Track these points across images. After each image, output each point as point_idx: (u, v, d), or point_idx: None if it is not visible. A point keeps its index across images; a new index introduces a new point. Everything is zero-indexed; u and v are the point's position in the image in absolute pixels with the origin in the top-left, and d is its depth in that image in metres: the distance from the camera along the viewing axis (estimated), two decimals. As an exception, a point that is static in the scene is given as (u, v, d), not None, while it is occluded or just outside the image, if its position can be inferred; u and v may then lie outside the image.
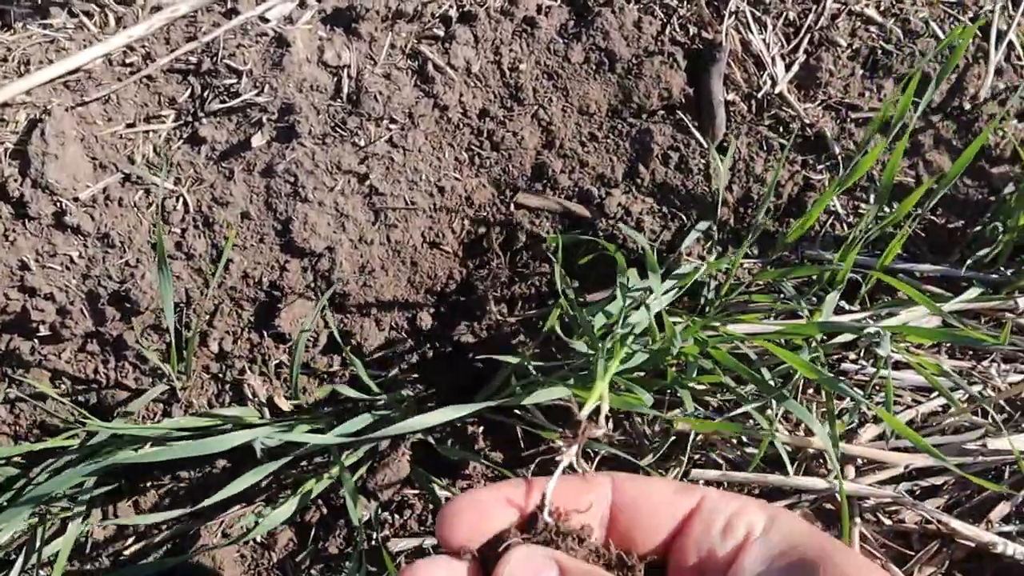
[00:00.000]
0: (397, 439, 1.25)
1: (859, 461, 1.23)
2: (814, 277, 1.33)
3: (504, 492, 0.67)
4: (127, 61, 1.27)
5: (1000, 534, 1.18)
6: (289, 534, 1.23)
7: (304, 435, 1.11)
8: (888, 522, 1.20)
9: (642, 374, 1.19)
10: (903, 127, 1.38)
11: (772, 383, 1.12)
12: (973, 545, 1.18)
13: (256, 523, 1.13)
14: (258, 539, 1.22)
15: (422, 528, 1.22)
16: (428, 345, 1.35)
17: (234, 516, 1.22)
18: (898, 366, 1.31)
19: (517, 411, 1.21)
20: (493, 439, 1.30)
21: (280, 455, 1.19)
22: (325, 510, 1.24)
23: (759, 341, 1.16)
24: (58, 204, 1.20)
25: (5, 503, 1.12)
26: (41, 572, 1.14)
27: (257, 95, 1.26)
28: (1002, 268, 1.39)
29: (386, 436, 1.19)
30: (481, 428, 1.30)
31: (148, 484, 1.24)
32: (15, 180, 1.19)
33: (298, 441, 1.13)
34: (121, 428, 1.10)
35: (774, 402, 1.14)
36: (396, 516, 1.23)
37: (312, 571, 1.20)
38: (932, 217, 1.43)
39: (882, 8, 1.43)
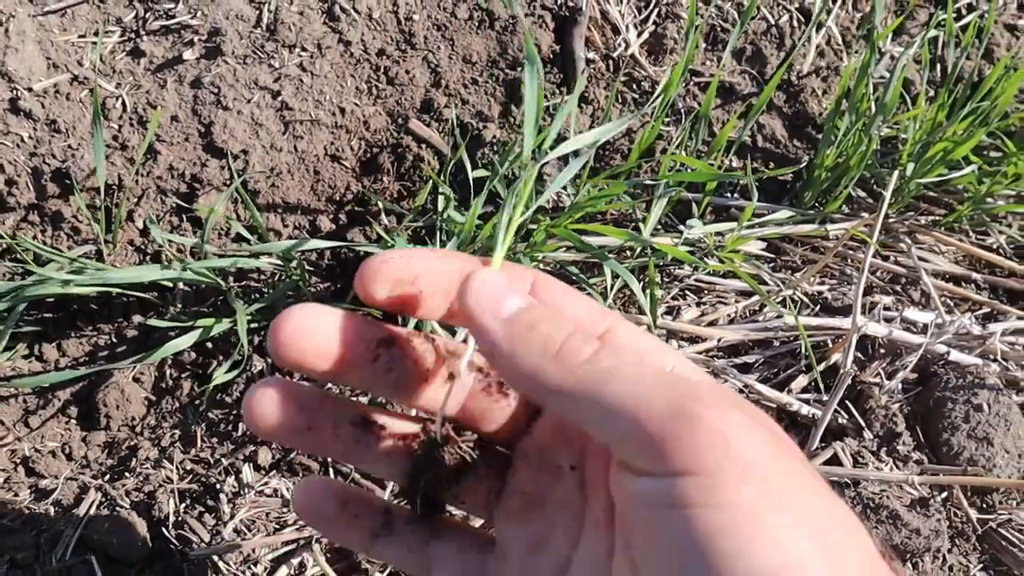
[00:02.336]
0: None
1: (680, 338, 1.46)
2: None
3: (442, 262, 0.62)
4: (84, -17, 1.52)
5: (798, 399, 1.41)
6: (191, 384, 1.42)
7: (219, 266, 1.33)
8: (704, 390, 1.42)
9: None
10: (740, 94, 1.66)
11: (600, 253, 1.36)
12: (774, 407, 1.40)
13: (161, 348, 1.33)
14: (164, 385, 1.41)
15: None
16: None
17: (144, 366, 1.41)
18: (726, 276, 1.55)
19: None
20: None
21: (191, 315, 1.40)
22: (226, 368, 1.43)
23: (594, 228, 1.40)
24: (14, 91, 1.42)
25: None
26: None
27: (191, 19, 1.51)
28: (815, 203, 1.65)
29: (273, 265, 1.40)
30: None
31: (71, 333, 1.43)
32: (-20, 68, 1.42)
33: (207, 280, 1.35)
34: (51, 252, 1.30)
35: (609, 279, 1.38)
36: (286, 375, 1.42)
37: (209, 414, 1.39)
38: (765, 170, 1.69)
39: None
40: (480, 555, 0.67)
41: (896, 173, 1.44)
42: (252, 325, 1.41)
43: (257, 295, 1.47)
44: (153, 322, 1.36)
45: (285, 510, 1.27)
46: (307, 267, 1.50)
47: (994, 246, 1.66)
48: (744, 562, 0.46)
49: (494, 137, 1.58)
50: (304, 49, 1.53)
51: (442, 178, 1.50)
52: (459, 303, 0.58)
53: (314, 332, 0.59)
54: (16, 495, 1.30)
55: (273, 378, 0.65)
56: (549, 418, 0.64)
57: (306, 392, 0.65)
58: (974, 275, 1.61)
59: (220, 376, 1.34)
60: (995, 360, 1.48)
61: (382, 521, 0.68)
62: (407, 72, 1.58)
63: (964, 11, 1.87)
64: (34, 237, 1.44)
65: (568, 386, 0.54)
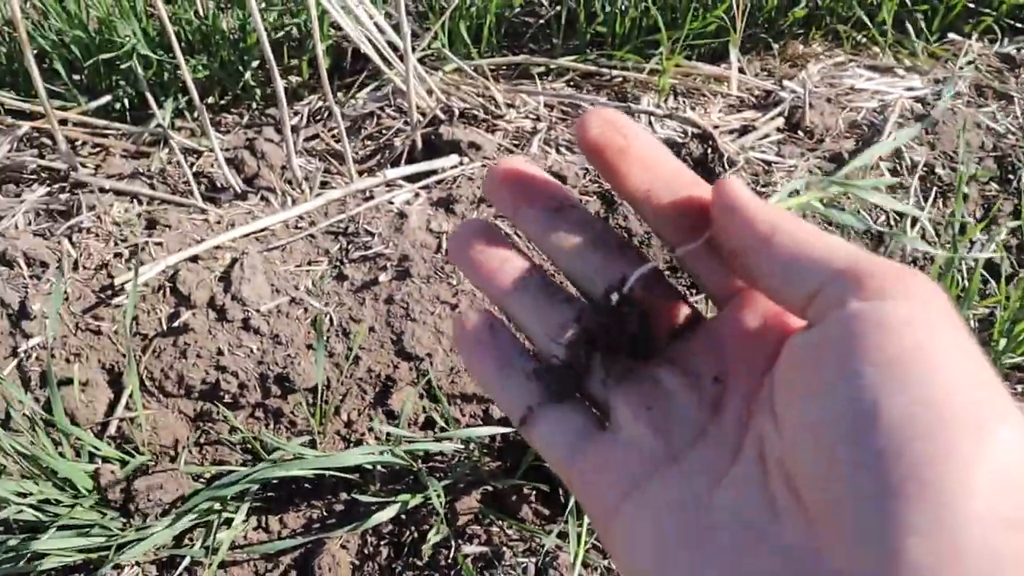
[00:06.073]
0: (472, 484, 1.72)
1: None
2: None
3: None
4: (298, 225, 1.89)
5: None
6: (387, 551, 1.67)
7: (411, 450, 1.61)
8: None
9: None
10: None
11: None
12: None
13: (367, 519, 1.59)
14: (366, 552, 1.67)
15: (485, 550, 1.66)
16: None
17: (351, 534, 1.68)
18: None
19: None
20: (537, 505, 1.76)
21: (389, 492, 1.68)
22: (417, 535, 1.69)
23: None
24: (246, 312, 1.77)
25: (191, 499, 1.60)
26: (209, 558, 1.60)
27: (384, 249, 1.85)
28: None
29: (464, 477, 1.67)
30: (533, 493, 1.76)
31: (291, 508, 1.71)
32: (220, 295, 1.77)
33: (402, 463, 1.62)
34: (277, 442, 1.60)
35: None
36: (466, 543, 1.67)
37: (405, 575, 1.64)
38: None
39: None
40: (587, 419, 0.62)
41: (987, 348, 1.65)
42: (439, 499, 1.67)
43: (440, 474, 1.73)
44: (360, 497, 1.64)
45: (478, 651, 1.49)
46: (483, 449, 1.77)
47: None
48: (950, 375, 0.43)
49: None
50: (475, 268, 1.85)
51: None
52: (718, 188, 0.56)
53: (525, 167, 0.63)
54: (250, 646, 1.55)
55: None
56: (708, 332, 0.61)
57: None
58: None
59: (432, 539, 1.60)
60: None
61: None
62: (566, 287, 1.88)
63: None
64: (259, 430, 1.75)
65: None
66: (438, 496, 1.62)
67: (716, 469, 0.53)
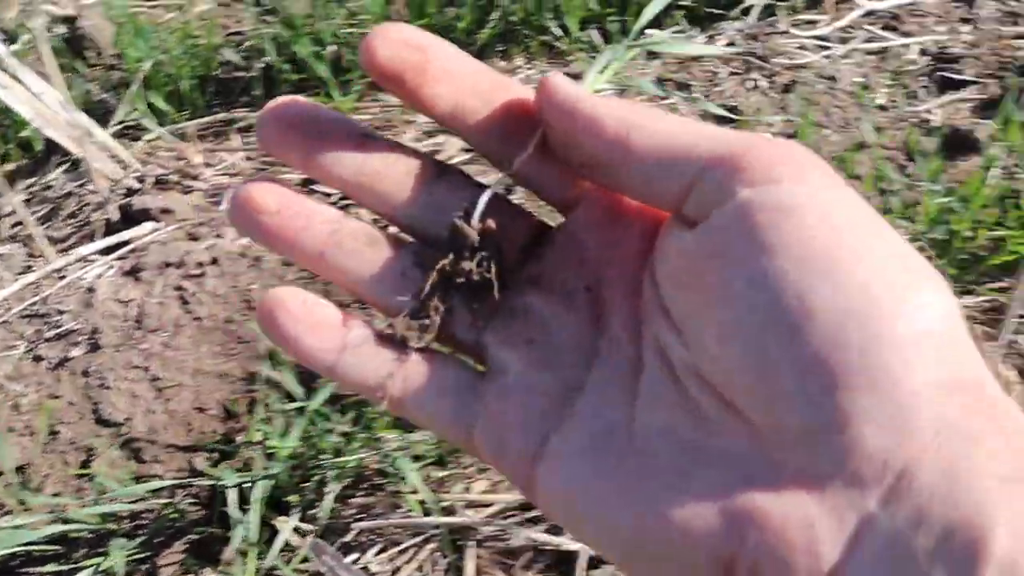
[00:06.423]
0: (174, 535, 1.82)
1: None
2: None
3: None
4: (-8, 314, 1.98)
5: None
6: (99, 612, 1.77)
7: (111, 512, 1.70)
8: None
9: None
10: None
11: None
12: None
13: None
14: (76, 617, 1.77)
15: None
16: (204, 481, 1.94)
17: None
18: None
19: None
20: None
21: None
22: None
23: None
24: (-57, 406, 1.86)
25: None
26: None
27: (75, 324, 1.95)
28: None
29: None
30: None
31: (2, 586, 1.80)
32: (-85, 393, 1.86)
33: (96, 527, 1.72)
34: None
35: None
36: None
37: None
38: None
39: None
40: (463, 371, 0.54)
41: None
42: (141, 554, 1.78)
43: (145, 531, 1.83)
44: (53, 568, 1.73)
45: None
46: (191, 500, 1.87)
47: None
48: (863, 269, 0.40)
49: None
50: (165, 331, 1.96)
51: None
52: (543, 87, 0.49)
53: (304, 101, 0.54)
54: None
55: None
56: (562, 242, 0.55)
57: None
58: None
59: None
60: None
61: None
62: (254, 330, 1.99)
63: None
64: (-30, 516, 1.83)
65: (659, 132, 0.47)
66: (133, 549, 1.72)
67: (624, 388, 0.49)
